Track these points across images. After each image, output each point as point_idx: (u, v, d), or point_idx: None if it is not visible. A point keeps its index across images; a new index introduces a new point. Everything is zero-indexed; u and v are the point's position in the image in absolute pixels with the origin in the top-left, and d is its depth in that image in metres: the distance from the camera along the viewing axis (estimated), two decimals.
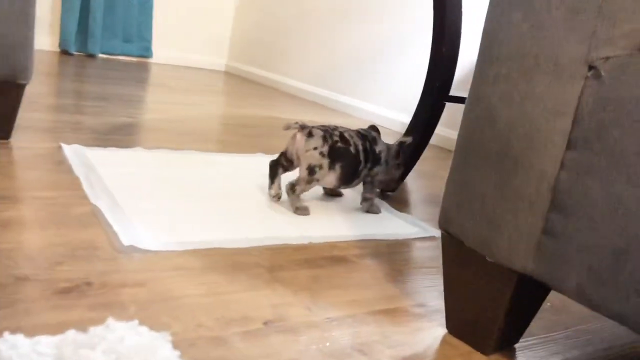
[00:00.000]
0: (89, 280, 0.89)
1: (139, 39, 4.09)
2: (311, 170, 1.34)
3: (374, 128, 1.51)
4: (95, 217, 1.14)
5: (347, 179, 1.41)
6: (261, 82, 4.08)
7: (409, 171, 1.74)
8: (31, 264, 0.90)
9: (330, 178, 1.38)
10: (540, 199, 0.73)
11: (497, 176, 0.78)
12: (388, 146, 1.50)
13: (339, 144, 1.36)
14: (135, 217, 1.16)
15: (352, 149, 1.38)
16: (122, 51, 4.04)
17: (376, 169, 1.46)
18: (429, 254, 1.26)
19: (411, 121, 2.05)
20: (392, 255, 1.21)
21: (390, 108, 3.07)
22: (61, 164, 1.44)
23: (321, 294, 0.97)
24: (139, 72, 3.59)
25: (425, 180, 1.95)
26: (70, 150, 1.55)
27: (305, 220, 1.33)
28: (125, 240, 1.04)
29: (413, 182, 1.87)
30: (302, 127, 1.36)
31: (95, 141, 1.71)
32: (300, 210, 1.35)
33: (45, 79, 2.73)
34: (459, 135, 0.85)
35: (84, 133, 1.80)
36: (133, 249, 1.02)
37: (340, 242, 1.24)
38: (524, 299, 0.83)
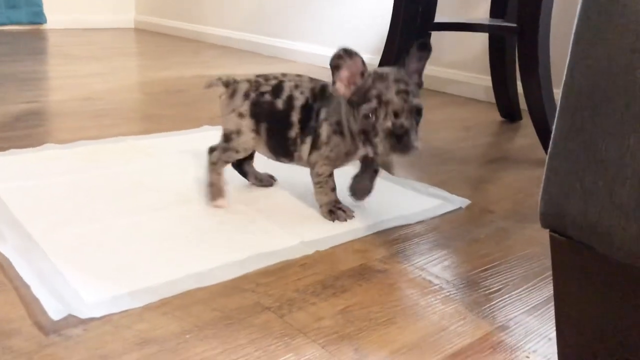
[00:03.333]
0: None
1: (26, 3, 3.47)
2: (226, 137, 1.00)
3: None
4: (1, 272, 0.76)
5: (277, 149, 1.00)
6: (180, 35, 3.59)
7: None
8: None
9: (261, 146, 1.01)
10: None
11: None
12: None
13: (266, 97, 0.98)
14: (61, 261, 0.79)
15: (279, 102, 0.97)
16: (7, 20, 3.42)
17: (315, 155, 0.96)
18: (467, 236, 0.97)
19: (383, 59, 1.72)
20: (428, 250, 0.90)
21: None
22: None
23: (367, 342, 0.66)
24: (33, 43, 3.03)
25: None
26: None
27: (295, 215, 0.99)
28: (54, 310, 0.68)
29: None
30: (227, 84, 1.01)
31: None
32: (212, 189, 1.01)
33: None
34: (570, 83, 0.53)
35: None
36: (68, 321, 0.66)
37: (354, 240, 0.92)
38: None
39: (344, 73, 0.89)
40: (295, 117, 0.97)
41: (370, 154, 0.90)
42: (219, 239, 0.89)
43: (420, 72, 0.94)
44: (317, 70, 2.62)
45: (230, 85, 1.01)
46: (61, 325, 0.65)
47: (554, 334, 0.68)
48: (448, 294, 0.77)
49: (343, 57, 0.88)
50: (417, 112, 0.87)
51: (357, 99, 0.88)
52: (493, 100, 1.90)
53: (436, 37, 2.16)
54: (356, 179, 1.03)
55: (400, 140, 0.84)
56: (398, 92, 0.85)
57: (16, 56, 2.55)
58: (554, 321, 0.71)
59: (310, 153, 0.96)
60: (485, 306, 0.75)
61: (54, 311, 0.67)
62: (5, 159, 1.18)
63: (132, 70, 2.41)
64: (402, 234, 0.95)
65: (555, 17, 1.42)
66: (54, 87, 2.01)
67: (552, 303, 0.69)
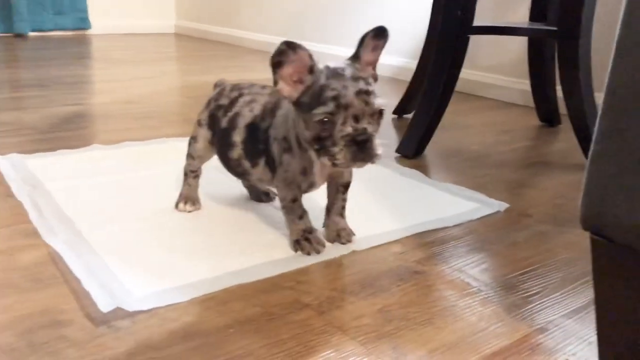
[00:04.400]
0: None
1: (72, 10, 3.59)
2: (189, 142, 1.01)
3: None
4: (53, 265, 0.80)
5: (227, 167, 0.95)
6: (219, 40, 3.66)
7: (435, 126, 1.41)
8: None
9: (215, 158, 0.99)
10: None
11: None
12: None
13: (219, 113, 0.93)
14: (109, 257, 0.82)
15: (224, 121, 0.91)
16: (54, 26, 3.55)
17: (276, 179, 0.86)
18: (505, 239, 0.97)
19: (420, 64, 1.73)
20: (466, 253, 0.91)
21: None
22: None
23: (405, 341, 0.67)
24: (78, 48, 3.14)
25: (442, 131, 1.63)
26: (7, 164, 1.18)
27: None
28: (104, 303, 0.71)
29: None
30: (215, 86, 1.01)
31: (39, 144, 1.34)
32: (179, 197, 1.01)
33: None
34: (612, 85, 0.54)
35: (23, 135, 1.42)
36: (117, 314, 0.69)
37: (391, 242, 0.92)
38: None
39: (286, 70, 0.76)
40: (237, 137, 0.88)
41: (326, 164, 0.77)
42: (259, 237, 0.91)
43: (374, 64, 0.81)
44: None
45: (216, 87, 1.01)
46: (110, 317, 0.68)
47: (594, 338, 0.68)
48: (486, 296, 0.78)
49: (286, 52, 0.75)
50: (379, 114, 0.76)
51: (309, 100, 0.75)
52: (531, 104, 1.88)
53: (474, 41, 2.16)
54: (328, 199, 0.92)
55: (362, 149, 0.73)
56: (358, 93, 0.73)
57: (63, 60, 2.64)
58: (594, 325, 0.70)
59: (273, 177, 0.87)
60: (524, 309, 0.75)
61: (104, 304, 0.70)
62: (55, 159, 1.23)
63: (173, 75, 2.47)
64: (439, 237, 0.96)
65: (596, 19, 1.40)
66: (98, 90, 2.07)
67: (593, 307, 0.69)
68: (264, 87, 0.93)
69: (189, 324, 0.68)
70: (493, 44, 2.17)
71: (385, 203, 1.08)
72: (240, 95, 0.92)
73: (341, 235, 0.90)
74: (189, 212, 0.99)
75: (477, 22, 1.36)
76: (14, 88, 2.00)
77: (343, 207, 0.92)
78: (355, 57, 0.78)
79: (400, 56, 2.58)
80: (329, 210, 0.92)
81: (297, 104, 0.77)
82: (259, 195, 1.06)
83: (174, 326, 0.67)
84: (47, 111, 1.67)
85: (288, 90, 0.77)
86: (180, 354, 0.62)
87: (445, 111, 1.43)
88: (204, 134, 0.97)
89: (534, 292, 0.79)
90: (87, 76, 2.37)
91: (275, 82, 0.77)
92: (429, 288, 0.79)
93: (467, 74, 2.24)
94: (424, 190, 1.16)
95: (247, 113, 0.88)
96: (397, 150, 1.41)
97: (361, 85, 0.74)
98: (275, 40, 3.40)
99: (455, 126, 1.73)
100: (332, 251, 0.88)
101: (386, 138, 1.57)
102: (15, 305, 0.70)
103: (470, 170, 1.33)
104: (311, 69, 0.76)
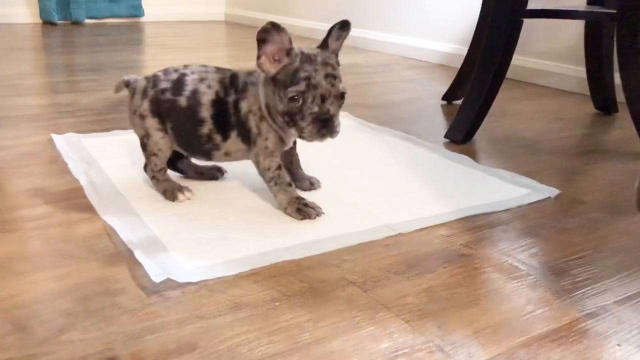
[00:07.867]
0: (113, 354, 0.59)
1: None
2: (141, 144, 0.96)
3: None
4: (107, 238, 0.83)
5: (190, 147, 0.95)
6: None
7: (485, 112, 1.39)
8: (19, 338, 0.60)
9: (173, 145, 0.96)
10: None
11: None
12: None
13: (167, 95, 0.92)
14: (161, 232, 0.84)
15: (182, 100, 0.91)
16: (110, 13, 3.65)
17: (255, 150, 0.92)
18: (556, 225, 0.94)
19: (471, 49, 1.70)
20: (514, 237, 0.89)
21: (427, 37, 2.68)
22: (54, 162, 1.12)
23: (451, 320, 0.66)
24: (132, 34, 3.21)
25: (492, 118, 1.60)
26: (64, 142, 1.23)
27: (378, 198, 1.01)
28: (155, 273, 0.73)
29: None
30: (127, 84, 0.97)
31: (94, 125, 1.39)
32: (167, 195, 0.96)
33: (28, 56, 2.38)
34: None
35: (79, 116, 1.47)
36: (167, 284, 0.71)
37: (438, 225, 0.92)
38: None
39: (269, 48, 0.85)
40: (205, 113, 0.91)
41: (295, 136, 0.90)
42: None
43: (337, 52, 0.90)
44: (403, 61, 2.61)
45: (130, 85, 0.96)
46: (161, 287, 0.71)
47: None
48: (535, 280, 0.76)
49: (270, 31, 0.84)
50: (341, 97, 0.86)
51: (284, 78, 0.85)
52: (586, 92, 1.82)
53: (526, 26, 2.10)
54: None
55: (325, 125, 0.84)
56: (326, 76, 0.84)
57: (117, 46, 2.71)
58: None
59: (249, 150, 0.92)
60: (574, 294, 0.73)
61: (155, 275, 0.73)
62: (109, 139, 1.27)
63: (223, 60, 2.50)
64: (487, 221, 0.94)
65: None
66: None
67: None
68: (204, 65, 0.96)
69: (236, 296, 0.69)
70: (547, 28, 2.11)
71: (432, 187, 1.07)
72: (184, 75, 0.93)
73: (313, 182, 1.02)
74: (189, 199, 0.96)
75: (531, 5, 1.33)
76: (72, 72, 2.07)
77: (298, 160, 1.02)
78: (324, 46, 0.88)
79: (450, 42, 2.53)
80: (290, 166, 1.01)
81: (274, 79, 0.87)
82: (208, 172, 1.07)
83: (222, 297, 0.69)
84: (102, 94, 1.72)
85: (268, 65, 0.86)
86: (228, 323, 0.64)
87: (496, 98, 1.40)
88: (152, 124, 0.94)
89: (585, 277, 0.77)
90: (140, 61, 2.42)
91: (259, 57, 0.86)
92: (476, 270, 0.78)
93: (519, 60, 2.19)
94: (472, 175, 1.14)
95: (206, 90, 0.92)
96: (446, 136, 1.39)
97: (329, 70, 0.85)
98: (320, 27, 3.43)
99: (507, 113, 1.69)
100: (379, 232, 0.88)
101: (435, 123, 1.55)
102: (72, 274, 0.73)
103: (521, 157, 1.30)
104: (288, 52, 0.85)
